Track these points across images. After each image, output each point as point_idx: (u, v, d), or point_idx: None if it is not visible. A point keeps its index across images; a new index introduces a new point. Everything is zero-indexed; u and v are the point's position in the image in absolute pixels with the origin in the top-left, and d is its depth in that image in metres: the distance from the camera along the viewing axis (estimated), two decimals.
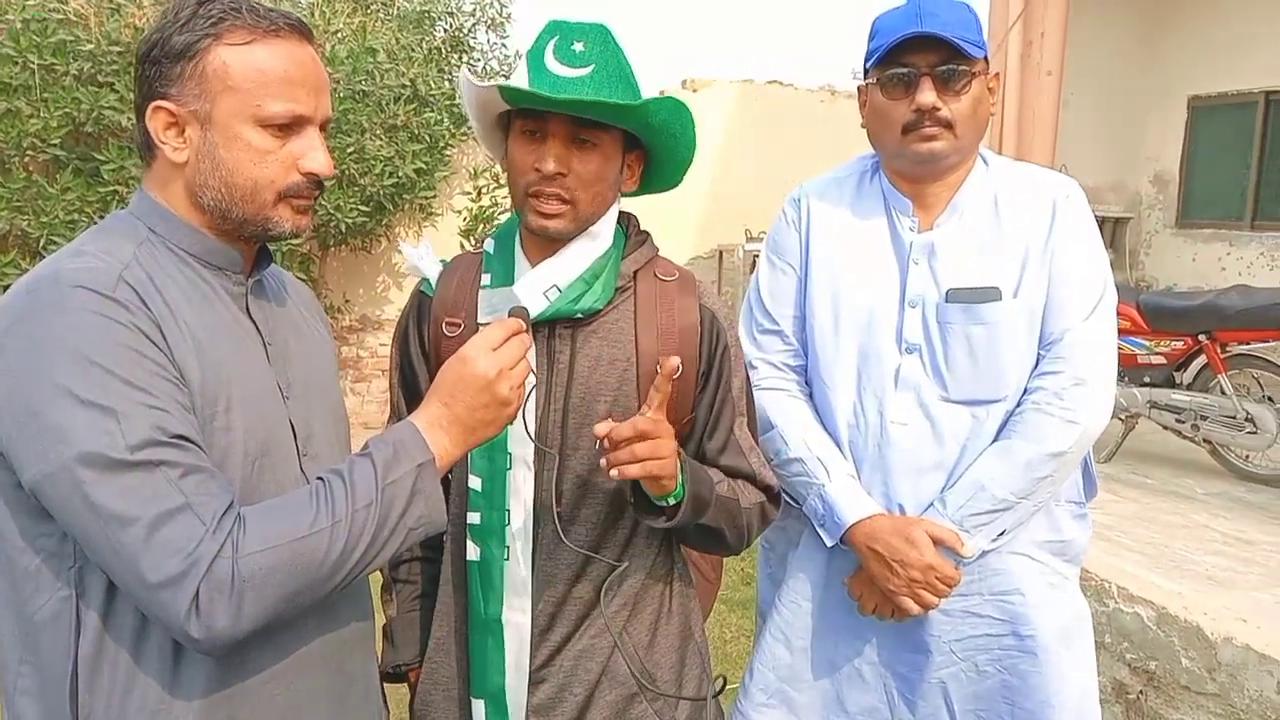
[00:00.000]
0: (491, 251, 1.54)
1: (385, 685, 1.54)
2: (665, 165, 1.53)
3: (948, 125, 1.67)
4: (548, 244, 1.46)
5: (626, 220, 1.56)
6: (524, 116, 1.41)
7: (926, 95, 1.66)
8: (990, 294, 1.69)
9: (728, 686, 1.65)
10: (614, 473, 1.27)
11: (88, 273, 1.05)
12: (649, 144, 1.48)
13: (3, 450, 1.03)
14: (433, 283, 1.55)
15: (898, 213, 1.79)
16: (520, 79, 1.40)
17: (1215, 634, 2.82)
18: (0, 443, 1.02)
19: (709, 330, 1.52)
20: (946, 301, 1.71)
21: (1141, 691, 3.05)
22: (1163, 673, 2.97)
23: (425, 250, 1.54)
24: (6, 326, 1.03)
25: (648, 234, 1.57)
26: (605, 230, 1.48)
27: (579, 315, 1.46)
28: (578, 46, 1.39)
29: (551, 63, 1.38)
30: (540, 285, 1.43)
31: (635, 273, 1.52)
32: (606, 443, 1.28)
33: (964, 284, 1.71)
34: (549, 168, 1.37)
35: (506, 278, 1.49)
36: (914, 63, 1.66)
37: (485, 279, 1.51)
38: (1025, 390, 1.71)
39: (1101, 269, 1.73)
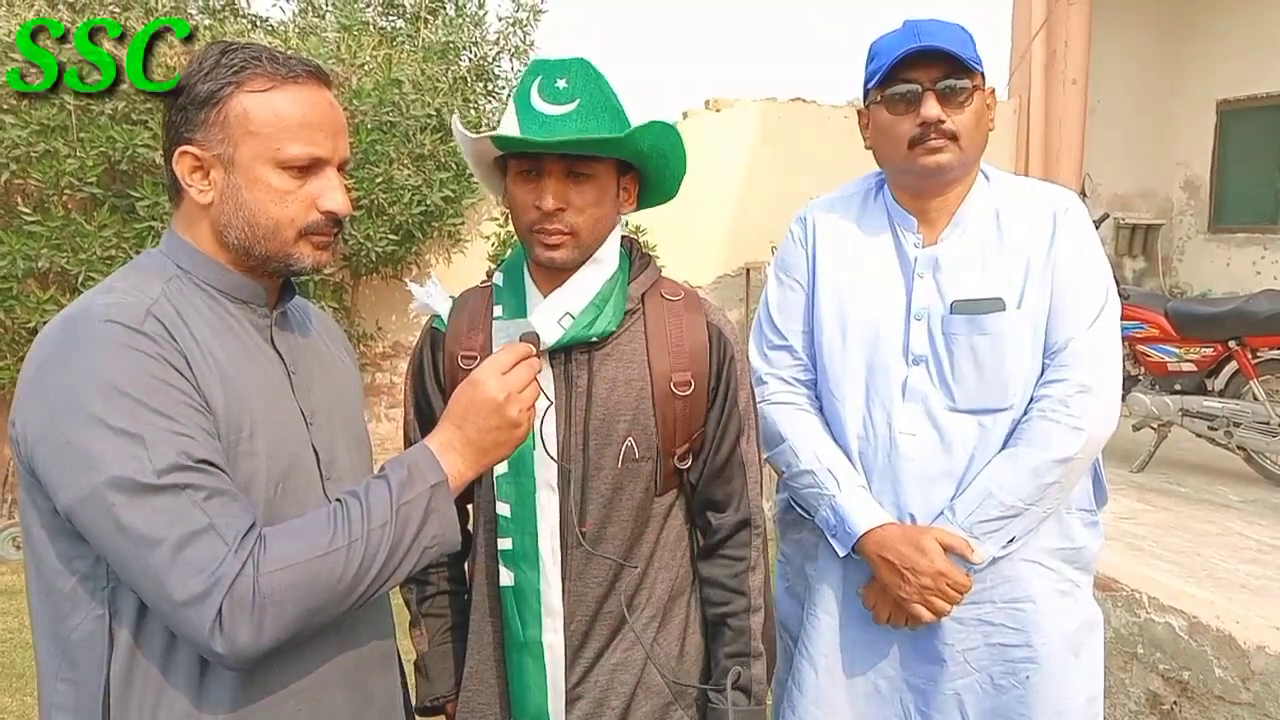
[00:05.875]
0: (501, 284, 1.59)
1: None
2: (659, 184, 1.57)
3: (953, 137, 1.70)
4: (556, 273, 1.51)
5: (629, 244, 1.60)
6: (519, 158, 1.46)
7: (931, 108, 1.69)
8: (994, 305, 1.72)
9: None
10: None
11: (117, 308, 1.11)
12: (641, 166, 1.53)
13: (40, 477, 1.08)
14: (444, 318, 1.59)
15: (902, 229, 1.82)
16: (509, 121, 1.44)
17: (1248, 643, 2.79)
18: (37, 470, 1.08)
19: (717, 345, 1.57)
20: (951, 313, 1.74)
21: (1175, 702, 3.01)
22: (1196, 683, 2.94)
23: (433, 287, 1.58)
24: (42, 360, 1.09)
25: (651, 257, 1.62)
26: (609, 254, 1.52)
27: (594, 339, 1.50)
28: (561, 83, 1.43)
29: (538, 102, 1.42)
30: (554, 314, 1.48)
31: (643, 295, 1.57)
32: None
33: (968, 296, 1.74)
34: (548, 205, 1.42)
35: (519, 308, 1.54)
36: (917, 79, 1.70)
37: (497, 310, 1.56)
38: (1031, 399, 1.73)
39: (1103, 278, 1.75)
